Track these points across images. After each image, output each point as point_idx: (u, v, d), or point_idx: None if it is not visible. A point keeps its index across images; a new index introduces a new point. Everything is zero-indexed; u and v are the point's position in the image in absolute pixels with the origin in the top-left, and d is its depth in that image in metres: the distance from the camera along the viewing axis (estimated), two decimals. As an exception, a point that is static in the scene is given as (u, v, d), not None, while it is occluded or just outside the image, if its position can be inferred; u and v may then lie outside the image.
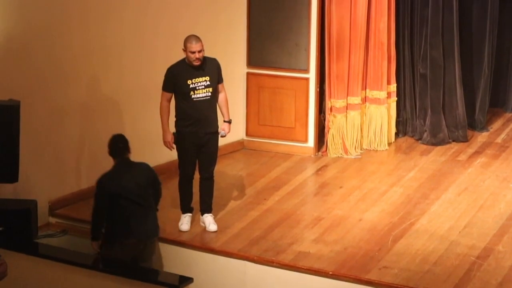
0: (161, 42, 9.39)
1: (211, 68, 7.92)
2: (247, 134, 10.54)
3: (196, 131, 7.91)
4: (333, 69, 10.24)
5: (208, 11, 9.82)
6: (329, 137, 10.39)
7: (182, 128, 7.89)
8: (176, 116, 7.90)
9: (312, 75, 10.27)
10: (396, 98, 10.78)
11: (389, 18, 10.40)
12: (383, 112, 10.59)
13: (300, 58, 10.25)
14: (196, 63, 7.80)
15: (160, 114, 7.89)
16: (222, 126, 8.04)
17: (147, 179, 7.52)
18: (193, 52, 7.76)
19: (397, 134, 10.97)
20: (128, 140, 7.55)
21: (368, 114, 10.59)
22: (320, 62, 10.27)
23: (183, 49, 7.81)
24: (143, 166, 7.57)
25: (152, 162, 8.03)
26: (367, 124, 10.59)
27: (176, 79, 7.87)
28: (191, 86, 7.86)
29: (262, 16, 10.22)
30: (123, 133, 7.83)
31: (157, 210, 7.65)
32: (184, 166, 8.02)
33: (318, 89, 10.30)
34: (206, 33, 9.31)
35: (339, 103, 10.34)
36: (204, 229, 8.25)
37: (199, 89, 7.87)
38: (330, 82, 10.29)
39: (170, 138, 7.91)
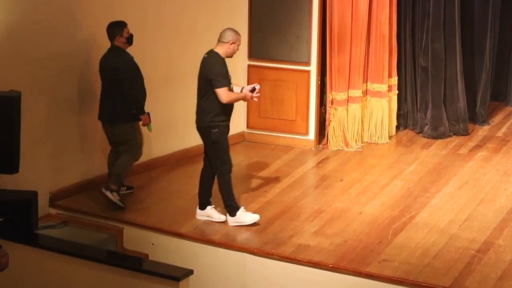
0: (163, 35, 9.41)
1: None
2: (247, 127, 10.53)
3: (228, 125, 7.98)
4: (334, 61, 10.23)
5: (210, 3, 9.82)
6: (330, 130, 10.38)
7: (220, 123, 7.86)
8: (211, 112, 7.80)
9: (313, 67, 10.27)
10: (397, 91, 10.78)
11: (391, 11, 10.38)
12: (384, 105, 10.57)
13: (301, 50, 10.25)
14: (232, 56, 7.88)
15: (232, 99, 7.83)
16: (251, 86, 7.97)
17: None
18: (239, 45, 7.81)
19: (398, 127, 10.98)
20: (114, 28, 8.09)
21: (369, 107, 10.58)
22: (321, 55, 10.24)
23: (225, 41, 7.76)
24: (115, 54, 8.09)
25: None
26: (368, 117, 10.57)
27: (226, 74, 7.86)
28: (230, 79, 7.93)
29: (263, 8, 10.21)
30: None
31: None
32: (228, 160, 7.97)
33: (319, 82, 10.27)
34: (207, 25, 9.61)
35: (340, 95, 10.32)
36: (204, 221, 8.24)
37: (231, 82, 7.97)
38: (331, 75, 10.28)
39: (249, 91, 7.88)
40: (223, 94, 7.70)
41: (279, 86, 9.78)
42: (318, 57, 10.22)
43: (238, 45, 7.87)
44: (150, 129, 8.38)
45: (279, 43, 10.15)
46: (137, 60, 8.46)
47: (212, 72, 7.68)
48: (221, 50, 7.79)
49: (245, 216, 8.08)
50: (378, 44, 10.38)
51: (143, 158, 8.99)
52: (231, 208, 8.08)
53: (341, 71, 10.25)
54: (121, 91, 8.15)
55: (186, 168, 9.52)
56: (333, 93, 10.32)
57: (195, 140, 9.36)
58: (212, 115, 7.77)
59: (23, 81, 7.91)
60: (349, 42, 10.21)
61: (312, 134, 10.42)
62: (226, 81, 7.74)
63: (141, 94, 8.30)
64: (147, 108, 8.48)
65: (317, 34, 10.16)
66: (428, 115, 10.76)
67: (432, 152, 10.22)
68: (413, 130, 10.98)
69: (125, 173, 8.52)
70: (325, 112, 10.43)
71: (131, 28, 8.41)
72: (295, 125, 10.43)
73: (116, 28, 8.25)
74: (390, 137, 10.69)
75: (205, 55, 7.83)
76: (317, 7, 10.14)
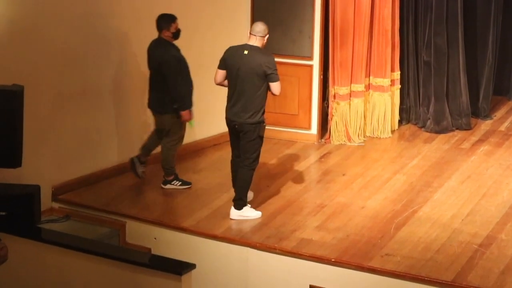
0: None
1: None
2: (250, 121, 10.45)
3: None
4: (337, 56, 10.21)
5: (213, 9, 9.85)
6: (332, 124, 10.36)
7: (264, 118, 8.00)
8: (262, 108, 7.91)
9: (315, 62, 10.26)
10: (399, 86, 10.76)
11: (393, 5, 10.36)
12: (387, 99, 10.55)
13: (304, 45, 10.22)
14: None
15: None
16: None
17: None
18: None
19: (400, 122, 10.97)
20: (162, 21, 8.17)
21: (372, 102, 10.55)
22: (324, 49, 10.22)
23: (262, 35, 7.83)
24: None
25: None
26: (370, 112, 10.56)
27: None
28: None
29: (266, 2, 10.17)
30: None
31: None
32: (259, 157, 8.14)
33: (321, 76, 10.25)
34: (210, 20, 9.64)
35: (342, 90, 10.30)
36: (207, 216, 8.25)
37: None
38: (333, 69, 10.27)
39: None
40: (279, 86, 7.83)
41: (281, 80, 9.37)
42: (321, 52, 10.20)
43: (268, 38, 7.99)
44: (191, 125, 8.56)
45: (281, 37, 10.11)
46: (136, 58, 8.52)
47: (269, 67, 7.73)
48: (259, 43, 7.84)
49: (249, 211, 8.11)
50: (381, 39, 10.35)
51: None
52: (241, 202, 8.11)
53: (343, 66, 10.22)
54: (166, 84, 8.25)
55: (189, 162, 9.52)
56: (335, 87, 10.30)
57: (199, 133, 9.76)
58: (262, 111, 7.88)
59: (26, 75, 7.89)
60: (351, 36, 10.18)
61: (314, 129, 10.41)
62: None
63: (186, 89, 8.35)
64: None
65: (320, 29, 10.13)
66: (430, 109, 10.73)
67: (435, 147, 10.20)
68: (415, 124, 10.96)
69: (172, 164, 8.67)
70: (328, 106, 10.39)
71: (132, 24, 8.44)
72: (297, 119, 10.41)
73: (164, 22, 8.32)
74: (392, 132, 10.68)
75: (245, 51, 7.80)
76: (319, 1, 10.08)
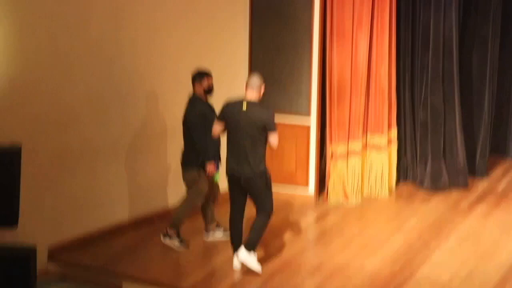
0: (164, 87, 9.35)
1: None
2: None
3: None
4: (334, 114, 10.19)
5: (209, 52, 9.79)
6: (330, 184, 10.26)
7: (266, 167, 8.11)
8: (264, 158, 8.03)
9: (313, 119, 10.24)
10: (397, 144, 10.72)
11: (390, 64, 10.36)
12: (384, 158, 10.50)
13: (301, 103, 10.22)
14: None
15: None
16: None
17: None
18: None
19: (398, 180, 10.90)
20: (195, 76, 8.35)
21: (369, 161, 10.51)
22: (321, 107, 10.21)
23: (259, 88, 7.98)
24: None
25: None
26: (367, 171, 10.50)
27: None
28: None
29: (264, 62, 10.20)
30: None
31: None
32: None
33: (319, 134, 10.22)
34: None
35: (340, 149, 10.24)
36: (205, 275, 8.17)
37: None
38: (331, 128, 10.24)
39: None
40: (277, 138, 7.96)
41: (279, 139, 9.57)
42: (318, 110, 10.17)
43: None
44: (215, 179, 8.56)
45: (278, 95, 10.13)
46: (138, 110, 8.55)
47: (269, 122, 7.87)
48: (257, 95, 7.97)
49: (254, 260, 8.10)
50: (378, 97, 10.34)
51: (144, 209, 9.05)
52: (253, 247, 8.10)
53: (341, 124, 10.21)
54: (191, 137, 8.44)
55: (186, 219, 9.17)
56: (333, 145, 10.22)
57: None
58: (264, 161, 7.98)
59: (23, 134, 7.86)
60: (348, 95, 10.17)
61: (312, 188, 10.34)
62: None
63: (211, 142, 8.43)
64: (150, 163, 8.49)
65: (317, 87, 10.12)
66: (427, 168, 10.68)
67: (432, 206, 10.16)
68: (413, 183, 10.88)
69: (181, 216, 8.64)
70: (325, 165, 10.31)
71: (130, 79, 8.45)
72: (295, 179, 10.34)
73: (197, 77, 8.51)
74: (390, 191, 10.62)
75: (244, 107, 7.89)
76: (316, 60, 10.08)
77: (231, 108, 7.95)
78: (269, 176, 8.01)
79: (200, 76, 8.48)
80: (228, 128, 7.98)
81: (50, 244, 8.46)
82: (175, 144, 9.15)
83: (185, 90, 8.63)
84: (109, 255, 8.58)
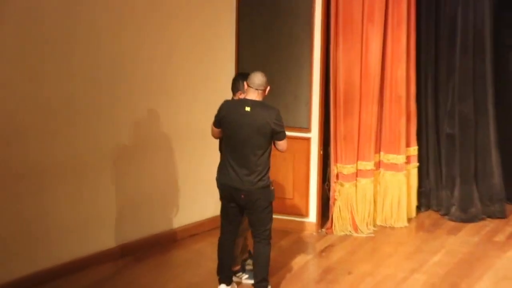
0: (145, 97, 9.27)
1: None
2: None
3: None
4: (340, 127, 9.94)
5: (196, 53, 9.73)
6: (335, 211, 10.06)
7: (270, 180, 8.10)
8: (268, 169, 7.94)
9: (314, 134, 9.94)
10: (417, 164, 10.53)
11: (408, 66, 10.17)
12: (401, 180, 10.29)
13: (300, 114, 9.93)
14: None
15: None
16: None
17: None
18: None
19: (418, 208, 10.73)
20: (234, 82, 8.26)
21: (383, 183, 10.31)
22: (324, 119, 9.98)
23: (263, 88, 7.84)
24: None
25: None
26: (381, 195, 10.31)
27: None
28: None
29: (254, 65, 9.69)
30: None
31: None
32: None
33: (321, 152, 9.94)
34: (192, 86, 9.65)
35: (347, 168, 9.99)
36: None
37: None
38: (336, 144, 10.00)
39: None
40: (286, 143, 7.99)
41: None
42: (320, 122, 9.92)
43: None
44: None
45: (273, 105, 9.17)
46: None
47: (278, 124, 7.81)
48: (261, 97, 7.88)
49: None
50: (393, 107, 10.15)
51: (107, 244, 9.03)
52: (265, 284, 8.07)
53: (348, 139, 9.96)
54: None
55: (162, 256, 9.29)
56: (338, 165, 10.00)
57: (169, 222, 9.63)
58: (268, 172, 7.95)
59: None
60: (358, 104, 9.93)
61: (313, 216, 10.09)
62: None
63: None
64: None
65: (319, 94, 9.83)
66: (455, 193, 10.56)
67: (462, 239, 9.92)
68: (437, 211, 10.74)
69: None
70: (329, 189, 10.13)
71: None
72: (292, 205, 10.07)
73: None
74: (409, 220, 10.44)
75: (247, 108, 7.79)
76: (318, 61, 9.77)
77: (232, 110, 7.86)
78: (273, 192, 7.99)
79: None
80: (226, 133, 7.90)
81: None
82: (162, 157, 9.40)
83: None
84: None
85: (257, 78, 7.83)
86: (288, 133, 9.24)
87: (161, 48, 9.30)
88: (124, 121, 9.05)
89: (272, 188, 7.95)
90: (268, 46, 9.97)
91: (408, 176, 10.37)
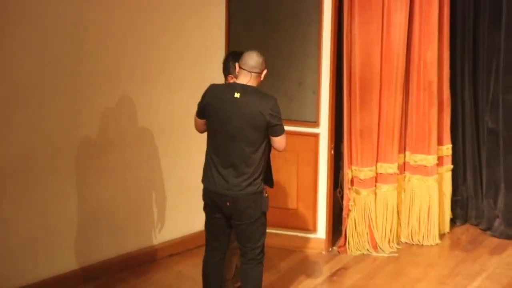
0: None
1: None
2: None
3: None
4: (356, 121, 9.49)
5: (182, 40, 9.31)
6: (349, 225, 9.61)
7: (263, 186, 7.72)
8: (262, 172, 7.49)
9: (323, 129, 9.44)
10: (451, 166, 10.00)
11: (441, 45, 9.61)
12: (432, 187, 9.79)
13: (306, 104, 9.46)
14: None
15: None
16: None
17: None
18: None
19: (453, 221, 10.22)
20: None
21: (409, 190, 9.82)
22: (335, 111, 9.55)
23: (260, 72, 7.38)
24: None
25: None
26: (407, 205, 9.78)
27: None
28: None
29: (247, 44, 9.16)
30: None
31: None
32: None
33: (332, 151, 9.48)
34: (181, 71, 9.38)
35: (364, 172, 9.55)
36: None
37: None
38: (350, 141, 9.53)
39: None
40: (285, 140, 7.51)
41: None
42: (331, 115, 9.41)
43: None
44: None
45: (271, 91, 8.67)
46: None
47: (274, 115, 7.33)
48: (255, 82, 7.46)
49: None
50: (422, 95, 9.59)
51: (65, 267, 8.61)
52: None
53: (366, 136, 9.49)
54: None
55: (130, 283, 8.85)
56: (353, 168, 9.54)
57: (145, 238, 9.37)
58: (262, 176, 7.51)
59: None
60: (377, 92, 9.39)
61: (322, 231, 9.60)
62: None
63: None
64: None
65: (330, 81, 9.28)
66: (499, 202, 10.04)
67: (508, 260, 9.41)
68: (477, 225, 10.21)
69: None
70: (342, 197, 9.68)
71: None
72: (296, 217, 9.59)
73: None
74: (441, 236, 9.91)
75: (237, 94, 7.37)
76: (328, 38, 9.21)
77: (219, 95, 7.40)
78: (267, 200, 7.52)
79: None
80: (210, 125, 7.48)
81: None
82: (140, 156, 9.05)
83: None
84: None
85: (251, 58, 7.35)
86: (290, 127, 9.02)
87: (134, 21, 9.02)
88: (88, 110, 8.67)
89: (266, 195, 7.46)
90: (264, 20, 9.55)
91: (440, 182, 9.93)
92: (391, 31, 9.37)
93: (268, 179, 7.93)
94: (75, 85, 8.55)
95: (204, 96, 7.51)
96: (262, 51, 8.82)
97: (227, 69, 7.86)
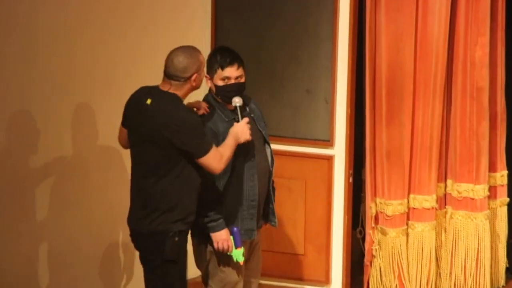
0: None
1: None
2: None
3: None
4: (381, 139, 8.37)
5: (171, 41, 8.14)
6: (372, 275, 8.58)
7: (186, 225, 6.94)
8: (174, 206, 6.61)
9: (339, 150, 8.43)
10: (507, 199, 8.90)
11: (494, 38, 8.42)
12: (482, 225, 8.69)
13: (316, 118, 8.42)
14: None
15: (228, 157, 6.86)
16: None
17: None
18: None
19: (510, 271, 9.12)
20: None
21: (452, 230, 8.71)
22: (355, 127, 8.58)
23: (187, 77, 6.51)
24: None
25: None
26: (449, 250, 8.67)
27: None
28: None
29: (238, 41, 8.42)
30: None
31: None
32: None
33: (351, 179, 8.53)
34: (152, 71, 8.67)
35: (392, 206, 8.39)
36: None
37: None
38: (374, 166, 8.45)
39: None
40: (215, 159, 6.62)
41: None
42: (349, 132, 8.40)
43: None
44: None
45: (270, 106, 8.47)
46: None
47: (179, 131, 6.54)
48: (182, 91, 6.59)
49: None
50: (469, 106, 8.39)
51: None
52: None
53: (394, 159, 8.35)
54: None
55: None
56: (378, 200, 8.45)
57: None
58: (175, 211, 6.64)
59: None
60: (409, 100, 8.24)
61: (337, 283, 8.68)
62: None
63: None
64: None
65: (348, 86, 8.20)
66: None
67: None
68: None
69: None
70: (363, 238, 8.76)
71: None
72: (304, 264, 8.61)
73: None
74: (496, 287, 8.98)
75: (148, 100, 6.55)
76: (346, 33, 8.10)
77: (135, 101, 6.63)
78: (177, 244, 6.61)
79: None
80: (128, 138, 6.89)
81: None
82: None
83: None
84: None
85: (172, 60, 6.40)
86: (296, 148, 8.50)
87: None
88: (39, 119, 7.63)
89: (176, 239, 6.57)
90: (265, 6, 8.45)
91: (493, 220, 8.81)
92: (428, 20, 8.14)
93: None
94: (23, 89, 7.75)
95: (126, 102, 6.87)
96: (258, 47, 8.58)
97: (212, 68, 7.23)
